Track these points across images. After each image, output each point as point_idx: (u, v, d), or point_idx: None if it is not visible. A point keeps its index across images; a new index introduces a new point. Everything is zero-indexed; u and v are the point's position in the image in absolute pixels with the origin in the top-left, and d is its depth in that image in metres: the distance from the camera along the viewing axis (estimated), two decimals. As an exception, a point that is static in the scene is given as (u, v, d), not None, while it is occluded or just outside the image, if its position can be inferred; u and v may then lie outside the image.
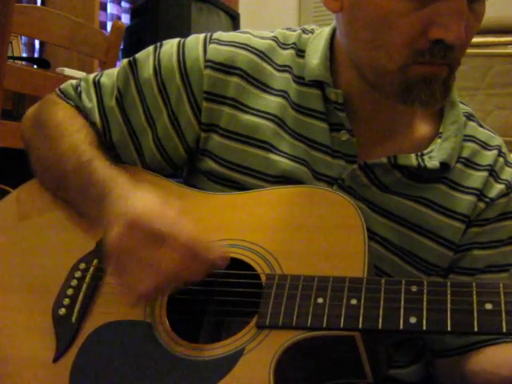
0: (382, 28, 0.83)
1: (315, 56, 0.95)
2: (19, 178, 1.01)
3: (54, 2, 2.89)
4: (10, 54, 2.40)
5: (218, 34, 1.00)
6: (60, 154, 0.94)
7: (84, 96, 1.01)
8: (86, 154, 0.92)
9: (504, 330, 0.68)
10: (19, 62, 2.46)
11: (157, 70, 0.98)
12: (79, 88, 1.03)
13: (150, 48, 1.01)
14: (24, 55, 2.88)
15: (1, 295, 0.91)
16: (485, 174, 0.95)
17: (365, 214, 0.89)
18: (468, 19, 0.82)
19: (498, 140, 1.00)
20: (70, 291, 0.86)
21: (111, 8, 3.48)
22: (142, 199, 0.80)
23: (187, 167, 1.03)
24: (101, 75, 1.03)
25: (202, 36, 1.00)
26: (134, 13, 3.07)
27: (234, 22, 3.18)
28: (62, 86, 1.05)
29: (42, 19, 1.92)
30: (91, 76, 1.04)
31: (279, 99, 0.95)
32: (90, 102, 1.01)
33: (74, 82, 1.05)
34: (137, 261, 0.77)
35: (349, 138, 0.93)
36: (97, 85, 1.02)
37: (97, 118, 1.00)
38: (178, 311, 0.83)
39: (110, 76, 1.02)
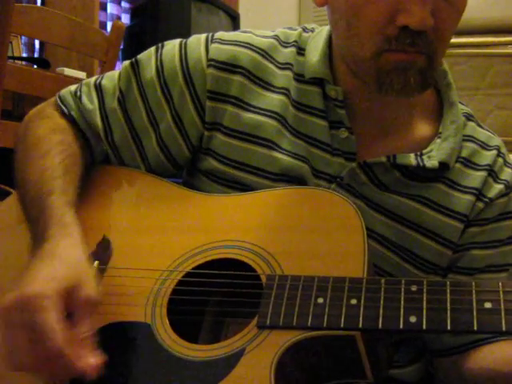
0: (354, 17, 0.85)
1: (315, 54, 0.95)
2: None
3: (54, 2, 2.89)
4: (10, 53, 2.39)
5: (220, 34, 1.00)
6: (26, 180, 0.92)
7: (85, 99, 1.01)
8: (45, 186, 0.88)
9: (503, 328, 0.68)
10: (19, 61, 2.46)
11: (159, 71, 0.98)
12: (78, 93, 1.02)
13: (152, 49, 1.01)
14: (24, 55, 2.88)
15: (0, 296, 0.91)
16: (484, 173, 0.95)
17: (363, 211, 0.89)
18: (440, 7, 0.83)
19: (497, 140, 1.00)
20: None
21: (111, 8, 3.49)
22: (48, 280, 0.74)
23: (187, 168, 1.03)
24: (101, 78, 1.03)
25: (203, 36, 1.00)
26: (134, 13, 3.07)
27: (234, 21, 3.18)
28: (62, 91, 1.05)
29: (42, 19, 1.92)
30: (92, 79, 1.04)
31: (281, 97, 0.96)
32: (91, 104, 1.00)
33: (73, 87, 1.04)
34: (12, 343, 0.73)
35: (348, 135, 0.93)
36: (98, 87, 1.02)
37: (98, 119, 1.00)
38: (179, 312, 0.83)
39: (111, 78, 1.02)
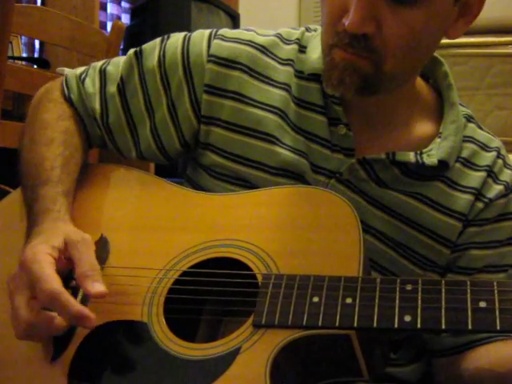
0: (322, 7, 0.88)
1: (316, 51, 0.96)
2: (19, 178, 1.02)
3: (54, 2, 2.89)
4: (10, 54, 2.40)
5: (223, 31, 1.02)
6: (29, 164, 0.95)
7: (88, 81, 1.03)
8: (43, 175, 0.92)
9: (498, 327, 0.68)
10: (19, 61, 2.46)
11: (161, 61, 1.00)
12: (84, 75, 1.05)
13: (158, 39, 1.04)
14: (24, 55, 2.88)
15: (1, 293, 0.91)
16: (483, 174, 0.96)
17: (362, 207, 0.90)
18: (385, 17, 0.82)
19: (497, 142, 1.00)
20: (68, 292, 0.86)
21: (111, 8, 3.48)
22: (38, 243, 0.81)
23: (190, 164, 1.04)
24: (108, 63, 1.05)
25: (207, 31, 1.02)
26: (134, 13, 3.07)
27: (234, 21, 3.19)
28: (69, 73, 1.07)
29: (42, 19, 1.93)
30: (99, 64, 1.06)
31: (282, 92, 0.97)
32: (92, 88, 1.03)
33: (80, 69, 1.07)
34: (13, 300, 0.78)
35: (346, 132, 0.94)
36: (102, 72, 1.04)
37: (97, 103, 1.02)
38: (176, 311, 0.83)
39: (115, 64, 1.04)
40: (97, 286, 0.78)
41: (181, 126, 0.99)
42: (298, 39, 1.00)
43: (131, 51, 1.04)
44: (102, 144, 1.06)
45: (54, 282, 0.76)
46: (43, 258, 0.78)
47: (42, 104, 1.03)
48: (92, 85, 1.03)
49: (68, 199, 0.91)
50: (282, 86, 0.97)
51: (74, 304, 0.76)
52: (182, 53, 0.99)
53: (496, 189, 0.96)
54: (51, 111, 1.01)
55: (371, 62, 0.85)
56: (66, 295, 0.76)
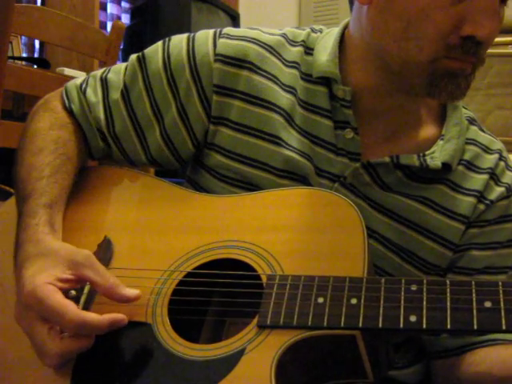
0: (417, 20, 0.84)
1: (324, 53, 0.96)
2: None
3: (54, 1, 2.89)
4: (10, 54, 2.40)
5: (228, 29, 1.01)
6: (18, 176, 0.94)
7: (90, 91, 1.02)
8: (28, 188, 0.90)
9: (503, 327, 0.69)
10: (19, 61, 2.46)
11: (166, 64, 0.99)
12: (84, 85, 1.03)
13: (159, 43, 1.02)
14: (24, 55, 2.88)
15: (1, 296, 0.91)
16: (485, 176, 0.96)
17: (365, 212, 0.89)
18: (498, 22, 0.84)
19: (499, 144, 1.01)
20: (72, 293, 0.86)
21: (111, 8, 3.48)
22: (34, 274, 0.79)
23: (192, 164, 1.04)
24: (108, 71, 1.04)
25: (211, 31, 1.01)
26: (134, 13, 3.07)
27: (234, 21, 3.19)
28: (69, 83, 1.06)
29: (42, 19, 1.92)
30: (99, 72, 1.05)
31: (288, 95, 0.96)
32: (95, 97, 1.01)
33: (80, 79, 1.06)
34: (34, 337, 0.78)
35: (354, 136, 0.93)
36: (103, 81, 1.03)
37: (101, 112, 1.00)
38: (180, 311, 0.83)
39: (116, 72, 1.03)
40: (130, 292, 0.80)
41: (193, 128, 0.98)
42: (303, 41, 0.99)
43: (133, 57, 1.03)
44: (105, 155, 1.04)
45: (73, 311, 0.76)
46: (46, 289, 0.77)
47: (37, 114, 1.01)
48: (94, 94, 1.02)
49: (52, 210, 0.88)
50: (288, 88, 0.97)
51: (102, 321, 0.77)
52: (188, 53, 0.98)
53: (498, 191, 0.96)
54: (44, 121, 0.99)
55: (472, 64, 0.87)
56: (91, 317, 0.76)
